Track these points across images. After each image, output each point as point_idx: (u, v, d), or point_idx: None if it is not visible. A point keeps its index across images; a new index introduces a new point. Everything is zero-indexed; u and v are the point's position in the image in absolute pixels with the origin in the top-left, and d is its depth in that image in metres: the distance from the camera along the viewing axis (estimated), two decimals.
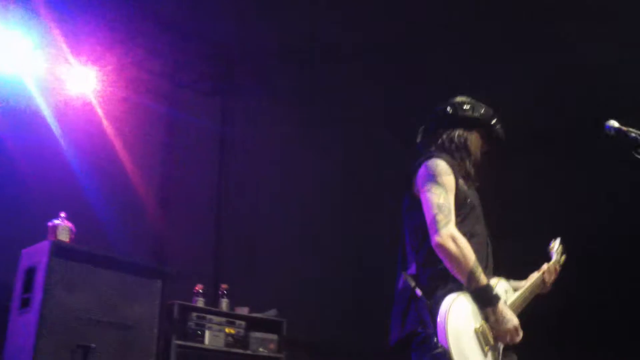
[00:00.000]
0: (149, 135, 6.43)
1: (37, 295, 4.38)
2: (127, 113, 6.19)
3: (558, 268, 3.43)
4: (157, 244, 6.07)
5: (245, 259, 6.41)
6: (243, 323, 5.45)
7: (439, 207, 2.94)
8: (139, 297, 4.89)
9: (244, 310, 5.57)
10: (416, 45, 6.45)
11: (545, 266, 3.39)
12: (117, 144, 6.08)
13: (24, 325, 4.38)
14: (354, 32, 6.48)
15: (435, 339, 2.65)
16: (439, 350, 2.62)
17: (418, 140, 3.38)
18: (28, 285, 4.49)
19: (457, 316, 2.77)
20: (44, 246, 4.52)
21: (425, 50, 6.44)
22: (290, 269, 6.58)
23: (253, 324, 5.52)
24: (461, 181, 3.13)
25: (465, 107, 3.32)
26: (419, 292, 2.76)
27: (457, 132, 3.28)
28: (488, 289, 2.87)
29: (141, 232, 6.00)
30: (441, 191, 2.99)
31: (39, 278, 4.43)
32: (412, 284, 2.79)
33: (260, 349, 5.43)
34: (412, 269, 2.99)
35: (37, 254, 4.54)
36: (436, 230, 2.89)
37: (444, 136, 3.28)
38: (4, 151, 5.26)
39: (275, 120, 7.24)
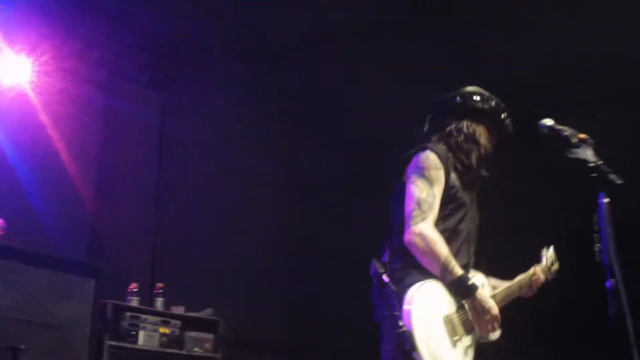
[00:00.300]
0: (86, 127, 6.29)
1: None
2: (64, 104, 6.03)
3: (549, 275, 3.39)
4: (93, 240, 5.95)
5: (181, 258, 6.34)
6: (178, 323, 5.38)
7: (419, 201, 2.91)
8: (71, 295, 4.81)
9: (179, 310, 5.51)
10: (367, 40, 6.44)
11: (533, 269, 3.35)
12: (54, 137, 5.94)
13: None
14: (295, 24, 6.43)
15: (400, 322, 2.60)
16: (402, 330, 2.58)
17: (425, 129, 3.31)
18: None
19: (425, 301, 2.76)
20: None
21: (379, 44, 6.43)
22: (227, 268, 6.54)
23: (188, 324, 5.47)
24: (454, 176, 3.07)
25: (475, 97, 3.24)
26: (385, 278, 2.69)
27: (466, 123, 3.18)
28: (463, 279, 2.85)
29: (77, 228, 5.87)
30: (425, 185, 2.95)
31: None
32: (381, 270, 2.72)
33: (196, 349, 5.38)
34: (385, 256, 2.98)
35: None
36: (408, 227, 2.88)
37: (453, 126, 3.19)
38: None
39: (215, 114, 7.17)
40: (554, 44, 6.13)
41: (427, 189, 2.94)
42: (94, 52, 6.45)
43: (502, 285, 3.22)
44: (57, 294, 4.71)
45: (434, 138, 3.19)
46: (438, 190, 2.97)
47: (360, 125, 7.28)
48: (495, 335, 3.01)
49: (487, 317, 2.87)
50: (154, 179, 6.59)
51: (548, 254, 3.47)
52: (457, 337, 2.81)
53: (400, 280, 2.83)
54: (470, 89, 3.28)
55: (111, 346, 4.93)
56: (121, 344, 5.00)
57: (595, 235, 2.39)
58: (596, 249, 2.37)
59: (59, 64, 6.02)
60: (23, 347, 4.28)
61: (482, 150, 3.17)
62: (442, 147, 3.10)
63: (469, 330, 2.87)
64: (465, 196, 3.10)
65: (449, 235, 2.97)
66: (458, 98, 3.24)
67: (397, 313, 2.63)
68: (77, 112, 6.16)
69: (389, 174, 3.28)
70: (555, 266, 3.48)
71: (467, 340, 2.86)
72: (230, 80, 7.08)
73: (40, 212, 5.60)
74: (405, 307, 2.71)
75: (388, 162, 3.43)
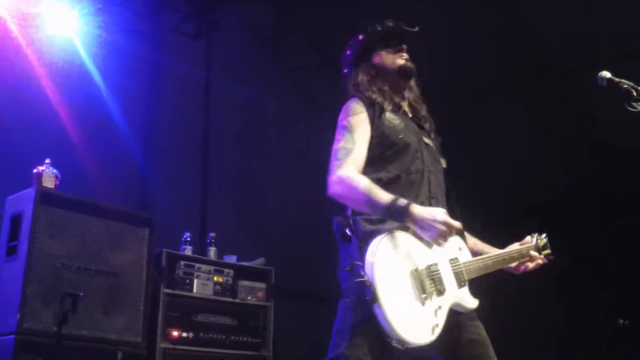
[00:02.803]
0: (133, 78, 6.28)
1: (23, 243, 4.30)
2: (110, 55, 6.03)
3: (541, 260, 3.13)
4: (143, 191, 5.99)
5: (232, 207, 6.35)
6: (231, 271, 5.41)
7: (335, 152, 2.76)
8: (127, 244, 4.81)
9: (232, 259, 5.53)
10: None
11: (527, 243, 3.13)
12: (102, 87, 5.94)
13: (10, 273, 4.30)
14: None
15: (362, 273, 2.44)
16: (363, 279, 2.42)
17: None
18: (14, 233, 4.40)
19: (390, 252, 2.55)
20: (29, 193, 4.42)
21: None
22: (278, 217, 6.54)
23: (241, 273, 5.49)
24: (390, 116, 2.90)
25: (358, 38, 3.12)
26: (348, 231, 2.59)
27: (362, 67, 3.05)
28: (393, 203, 2.60)
29: (126, 179, 5.92)
30: (344, 134, 2.79)
31: (25, 226, 4.34)
32: (344, 225, 2.62)
33: (249, 298, 5.41)
34: (348, 212, 2.77)
35: (22, 201, 4.44)
36: (327, 180, 2.73)
37: (354, 77, 3.06)
38: None
39: (260, 64, 7.11)
40: None
41: (345, 137, 2.78)
42: (138, 2, 6.41)
43: (490, 252, 3.01)
44: (113, 243, 4.72)
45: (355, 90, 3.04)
46: (360, 135, 2.80)
47: None
48: (473, 304, 2.78)
49: (438, 225, 2.58)
50: (202, 129, 6.58)
51: (540, 237, 3.22)
52: (425, 295, 2.57)
53: (364, 232, 2.65)
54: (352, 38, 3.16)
55: (167, 294, 4.98)
56: (177, 291, 5.04)
57: None
58: None
59: (104, 14, 6.00)
60: (82, 294, 4.32)
61: (390, 77, 3.02)
62: (362, 95, 2.95)
63: (440, 290, 2.63)
64: (411, 137, 2.90)
65: (403, 180, 2.79)
66: (347, 51, 3.15)
67: (359, 263, 2.48)
68: (123, 63, 6.15)
69: None
70: (548, 251, 3.20)
71: (437, 301, 2.61)
72: (273, 27, 7.04)
73: (90, 164, 5.64)
74: (368, 257, 2.50)
75: None
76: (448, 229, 2.61)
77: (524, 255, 3.10)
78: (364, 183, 2.66)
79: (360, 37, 3.12)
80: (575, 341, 7.06)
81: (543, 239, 3.24)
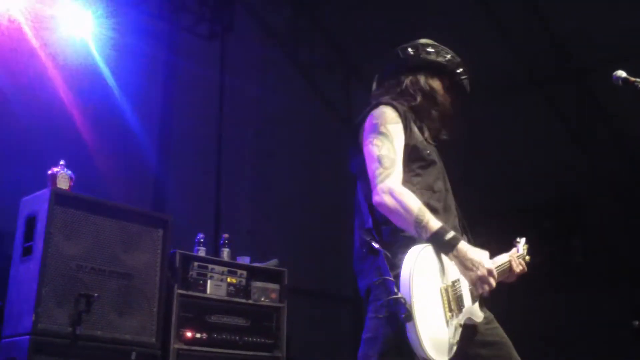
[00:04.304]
0: (147, 79, 6.31)
1: (38, 243, 4.32)
2: (124, 56, 6.05)
3: (524, 265, 3.05)
4: (157, 192, 6.01)
5: (246, 208, 6.36)
6: (244, 273, 5.41)
7: (380, 159, 2.63)
8: (141, 245, 4.82)
9: (245, 260, 5.53)
10: None
11: (514, 251, 3.06)
12: (116, 89, 5.97)
13: (25, 274, 4.33)
14: None
15: (395, 289, 2.37)
16: (398, 296, 2.36)
17: (374, 88, 3.02)
18: (29, 234, 4.42)
19: (424, 267, 2.49)
20: (44, 194, 4.44)
21: None
22: (291, 218, 6.54)
23: (254, 274, 5.49)
24: (417, 131, 2.80)
25: (430, 49, 2.94)
26: (375, 244, 2.49)
27: (422, 78, 2.89)
28: (442, 232, 2.53)
29: (141, 180, 5.94)
30: (384, 141, 2.66)
31: (40, 227, 4.36)
32: (368, 238, 2.53)
33: (262, 299, 5.41)
34: (369, 223, 2.66)
35: (37, 202, 4.46)
36: (374, 187, 2.60)
37: (407, 81, 2.89)
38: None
39: (274, 63, 7.12)
40: None
41: (386, 145, 2.65)
42: (153, 3, 6.44)
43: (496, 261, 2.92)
44: (127, 244, 4.73)
45: (387, 97, 2.86)
46: (399, 145, 2.68)
47: None
48: (480, 318, 2.71)
49: (479, 272, 2.56)
50: (216, 129, 6.59)
51: (522, 244, 3.15)
52: (450, 314, 2.53)
53: (393, 246, 2.56)
54: (423, 40, 2.98)
55: (180, 294, 4.98)
56: (190, 292, 5.04)
57: None
58: None
59: (119, 15, 6.03)
60: (97, 295, 4.34)
61: (440, 107, 2.90)
62: (396, 103, 2.79)
63: (461, 307, 2.60)
64: (433, 154, 2.83)
65: (428, 196, 2.69)
66: (410, 50, 2.94)
67: (390, 278, 2.39)
68: (138, 65, 6.18)
69: None
70: (528, 257, 3.14)
71: (457, 319, 2.58)
72: (288, 28, 7.04)
73: (104, 165, 5.67)
74: (404, 272, 2.42)
75: None
76: (488, 279, 2.58)
77: (517, 264, 3.03)
78: (418, 204, 2.56)
79: (438, 55, 2.95)
80: (590, 342, 7.02)
81: (524, 244, 3.17)
